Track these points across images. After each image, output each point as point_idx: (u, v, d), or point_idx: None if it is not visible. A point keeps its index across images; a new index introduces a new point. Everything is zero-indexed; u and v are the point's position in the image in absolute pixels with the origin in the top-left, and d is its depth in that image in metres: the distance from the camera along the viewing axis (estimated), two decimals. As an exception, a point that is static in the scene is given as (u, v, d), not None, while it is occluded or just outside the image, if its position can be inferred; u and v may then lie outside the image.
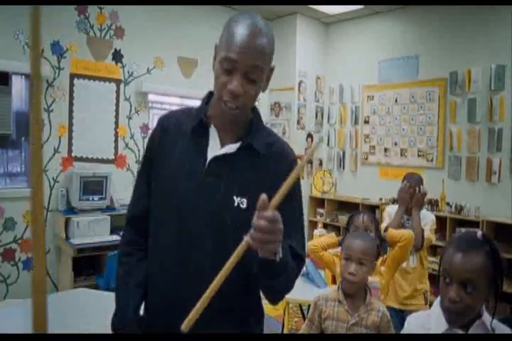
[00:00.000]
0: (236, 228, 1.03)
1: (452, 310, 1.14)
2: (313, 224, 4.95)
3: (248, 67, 1.06)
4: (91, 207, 3.78)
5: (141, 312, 1.22)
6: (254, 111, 1.22)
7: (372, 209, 4.93)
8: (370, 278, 1.90)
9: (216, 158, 1.13)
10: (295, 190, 1.16)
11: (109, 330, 1.20)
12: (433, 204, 4.39)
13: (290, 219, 1.04)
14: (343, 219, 5.09)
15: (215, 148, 1.15)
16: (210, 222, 1.11)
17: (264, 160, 1.15)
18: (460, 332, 1.19)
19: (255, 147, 1.14)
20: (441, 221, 4.29)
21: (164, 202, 1.16)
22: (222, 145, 1.15)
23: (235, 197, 1.11)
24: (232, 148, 1.14)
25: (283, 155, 1.19)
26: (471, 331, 1.18)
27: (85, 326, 1.85)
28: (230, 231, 1.08)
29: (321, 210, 5.37)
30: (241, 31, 1.06)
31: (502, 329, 1.19)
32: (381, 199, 4.85)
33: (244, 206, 1.10)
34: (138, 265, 1.22)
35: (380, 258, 2.09)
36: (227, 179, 1.12)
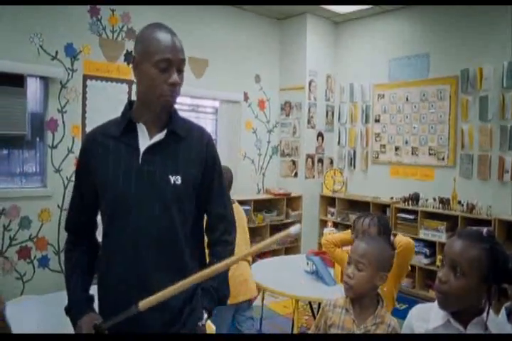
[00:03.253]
0: (176, 200, 1.32)
1: (439, 291, 1.20)
2: (324, 223, 4.96)
3: (179, 61, 1.31)
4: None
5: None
6: None
7: (383, 208, 4.93)
8: None
9: (148, 148, 1.32)
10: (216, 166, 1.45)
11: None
12: (444, 203, 4.38)
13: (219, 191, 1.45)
14: (353, 218, 5.08)
15: (145, 140, 1.34)
16: (155, 201, 1.30)
17: (187, 142, 1.38)
18: (458, 325, 1.21)
19: (178, 132, 1.36)
20: (452, 220, 4.28)
21: (111, 202, 1.33)
22: (151, 137, 1.34)
23: (170, 176, 1.32)
24: (159, 136, 1.34)
25: (201, 136, 1.42)
26: (469, 327, 1.20)
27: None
28: (172, 204, 1.32)
29: (331, 209, 5.38)
30: (163, 36, 1.30)
31: (503, 326, 1.21)
32: (392, 198, 4.84)
33: (179, 182, 1.32)
34: (81, 257, 1.43)
35: None
36: (161, 163, 1.32)
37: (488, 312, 1.19)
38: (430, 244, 4.38)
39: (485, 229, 1.22)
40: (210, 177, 1.42)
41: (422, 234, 4.43)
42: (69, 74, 3.89)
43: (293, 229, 1.03)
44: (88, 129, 3.99)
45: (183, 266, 1.33)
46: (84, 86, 3.98)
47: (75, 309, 1.33)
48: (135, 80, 1.36)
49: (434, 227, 4.36)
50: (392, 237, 2.18)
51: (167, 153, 1.34)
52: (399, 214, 4.68)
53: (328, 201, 5.47)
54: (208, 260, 1.43)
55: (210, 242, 1.48)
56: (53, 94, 3.82)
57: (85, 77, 3.99)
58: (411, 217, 4.58)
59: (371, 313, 1.56)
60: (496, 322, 1.22)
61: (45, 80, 3.79)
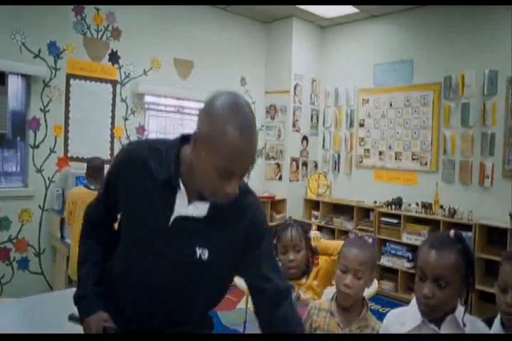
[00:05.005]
0: (198, 275, 1.19)
1: (427, 306, 1.21)
2: (308, 227, 4.96)
3: (245, 172, 1.08)
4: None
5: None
6: None
7: (367, 212, 4.96)
8: (302, 296, 1.84)
9: (182, 218, 1.16)
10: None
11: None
12: (427, 208, 4.43)
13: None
14: (337, 221, 5.11)
15: (182, 204, 1.15)
16: (175, 270, 1.19)
17: (232, 218, 1.19)
18: (432, 326, 1.24)
19: (224, 213, 1.16)
20: (435, 224, 4.32)
21: (134, 240, 1.23)
22: (190, 201, 1.16)
23: (196, 249, 1.17)
24: (199, 208, 1.16)
25: (247, 206, 1.21)
26: (443, 326, 1.23)
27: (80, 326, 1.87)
28: (195, 282, 1.20)
29: (315, 213, 5.40)
30: (236, 138, 1.01)
31: (474, 323, 1.23)
32: (375, 202, 4.88)
33: (205, 257, 1.17)
34: (95, 244, 1.37)
35: (313, 272, 1.95)
36: (191, 234, 1.17)
37: (465, 309, 1.23)
38: (413, 248, 4.42)
39: (451, 232, 1.24)
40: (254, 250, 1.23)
41: (405, 238, 4.47)
42: (52, 72, 3.83)
43: None
44: (71, 129, 3.94)
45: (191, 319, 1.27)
46: (68, 85, 3.93)
47: (85, 305, 1.30)
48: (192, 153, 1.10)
49: (417, 231, 4.40)
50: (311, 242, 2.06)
51: (203, 227, 1.17)
52: (382, 218, 4.72)
53: (312, 204, 5.49)
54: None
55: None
56: (36, 92, 3.76)
57: (69, 76, 3.93)
58: (394, 221, 4.61)
59: (356, 316, 1.55)
60: (469, 319, 1.24)
61: (27, 78, 3.72)
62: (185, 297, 1.22)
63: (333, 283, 1.70)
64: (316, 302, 1.67)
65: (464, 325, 1.22)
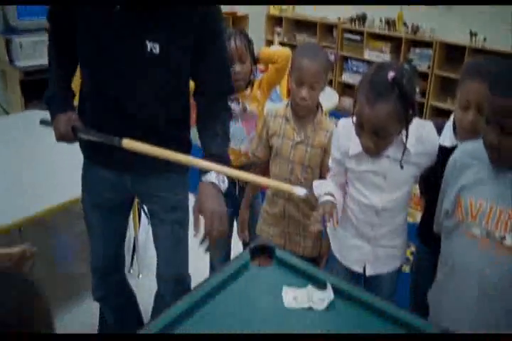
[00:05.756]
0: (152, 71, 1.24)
1: (369, 151, 1.25)
2: (270, 44, 4.87)
3: None
4: (35, 26, 3.47)
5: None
6: None
7: (330, 28, 4.87)
8: (248, 107, 1.81)
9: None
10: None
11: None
12: (390, 25, 4.37)
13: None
14: (300, 38, 5.02)
15: None
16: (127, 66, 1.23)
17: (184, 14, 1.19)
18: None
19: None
20: (397, 41, 4.35)
21: (88, 45, 1.26)
22: None
23: (147, 42, 1.18)
24: None
25: (206, 18, 1.22)
26: (390, 151, 1.28)
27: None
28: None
29: (278, 29, 5.22)
30: None
31: (425, 126, 1.30)
32: (339, 18, 4.73)
33: (156, 51, 1.19)
34: (60, 57, 1.38)
35: (256, 82, 1.87)
36: (139, 28, 1.18)
37: (406, 138, 1.25)
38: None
39: (390, 75, 1.14)
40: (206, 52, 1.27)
41: (367, 55, 4.54)
42: None
43: (300, 191, 1.10)
44: None
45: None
46: None
47: (55, 104, 1.34)
48: None
49: (379, 48, 4.45)
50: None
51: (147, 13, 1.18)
52: (345, 35, 4.68)
53: (275, 21, 5.26)
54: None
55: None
56: None
57: None
58: (357, 37, 4.59)
59: (311, 120, 1.58)
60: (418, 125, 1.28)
61: None
62: (143, 94, 1.26)
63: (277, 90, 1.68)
64: (273, 110, 1.68)
65: (409, 150, 1.26)
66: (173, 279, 1.51)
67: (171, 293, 1.49)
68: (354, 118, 1.23)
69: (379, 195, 1.34)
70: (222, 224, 1.20)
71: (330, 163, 1.46)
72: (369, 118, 1.17)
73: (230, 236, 1.90)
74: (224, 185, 1.25)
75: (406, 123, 1.20)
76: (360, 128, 1.22)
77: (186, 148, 1.41)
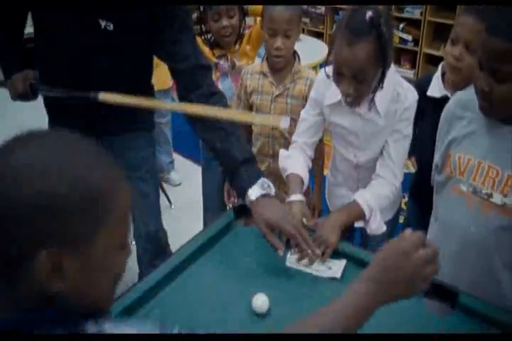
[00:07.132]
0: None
1: (349, 102, 1.22)
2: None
3: None
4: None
5: None
6: None
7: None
8: (237, 63, 1.77)
9: None
10: None
11: None
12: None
13: None
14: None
15: None
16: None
17: None
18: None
19: None
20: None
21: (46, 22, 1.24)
22: None
23: (99, 21, 1.17)
24: None
25: None
26: (361, 108, 1.25)
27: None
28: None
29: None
30: None
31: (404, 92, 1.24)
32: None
33: (111, 28, 1.18)
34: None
35: (245, 37, 1.82)
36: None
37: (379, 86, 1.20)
38: None
39: (368, 14, 1.09)
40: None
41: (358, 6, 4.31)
42: None
43: (284, 122, 1.06)
44: None
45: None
46: None
47: (8, 66, 1.30)
48: None
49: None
50: None
51: None
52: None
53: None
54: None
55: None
56: None
57: None
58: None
59: (288, 72, 1.55)
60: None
61: None
62: (104, 68, 1.24)
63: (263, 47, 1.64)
64: (248, 67, 1.66)
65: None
66: (144, 235, 1.53)
67: (144, 248, 1.52)
68: (332, 66, 1.18)
69: (352, 152, 1.34)
70: (305, 232, 1.08)
71: (303, 113, 1.39)
72: (348, 60, 1.12)
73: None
74: (271, 189, 1.13)
75: (383, 65, 1.15)
76: (338, 74, 1.17)
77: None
